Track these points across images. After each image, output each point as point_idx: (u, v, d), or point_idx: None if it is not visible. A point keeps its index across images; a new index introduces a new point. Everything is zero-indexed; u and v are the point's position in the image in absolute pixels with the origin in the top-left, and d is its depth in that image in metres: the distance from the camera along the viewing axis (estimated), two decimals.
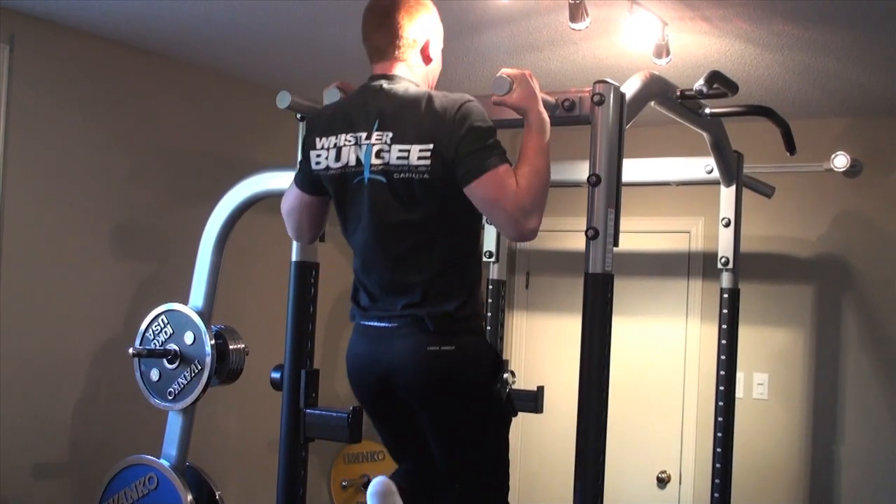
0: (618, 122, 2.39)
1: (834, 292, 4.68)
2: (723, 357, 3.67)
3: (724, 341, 3.67)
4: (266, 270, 4.50)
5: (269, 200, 3.50)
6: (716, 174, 3.60)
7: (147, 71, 4.14)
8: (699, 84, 2.75)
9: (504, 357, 4.28)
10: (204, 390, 3.47)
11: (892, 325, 4.55)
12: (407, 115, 2.27)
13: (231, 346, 3.55)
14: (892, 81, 3.95)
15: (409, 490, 2.43)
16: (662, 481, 5.00)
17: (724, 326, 3.67)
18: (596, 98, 2.38)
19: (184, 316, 3.51)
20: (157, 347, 3.54)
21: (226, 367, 3.54)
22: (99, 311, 3.96)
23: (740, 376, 4.38)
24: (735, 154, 3.58)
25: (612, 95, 2.38)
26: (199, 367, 3.46)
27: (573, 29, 3.03)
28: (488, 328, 4.19)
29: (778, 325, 4.77)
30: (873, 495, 4.54)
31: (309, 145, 2.44)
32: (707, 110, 3.11)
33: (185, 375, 3.48)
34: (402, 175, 2.26)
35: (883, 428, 4.53)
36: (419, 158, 2.24)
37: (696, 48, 3.59)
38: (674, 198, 4.94)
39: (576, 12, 2.95)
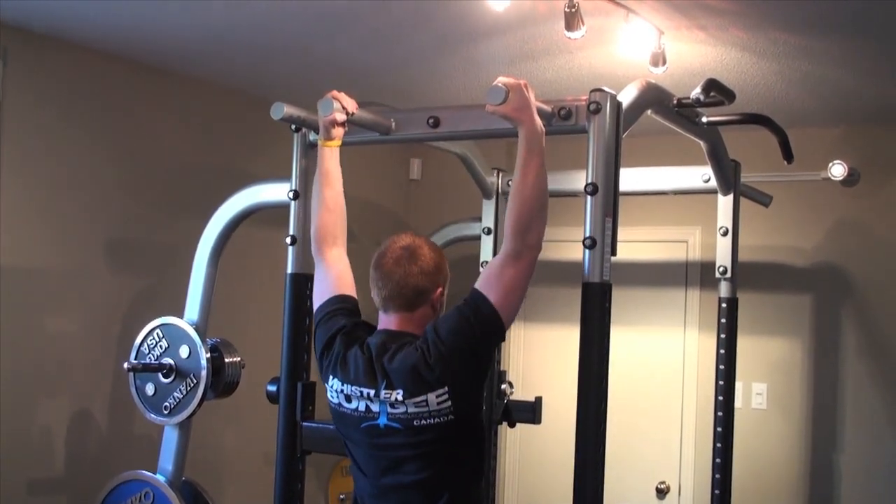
0: (614, 130, 2.38)
1: (832, 301, 4.67)
2: (721, 367, 3.66)
3: (722, 351, 3.66)
4: (261, 283, 4.48)
5: (263, 212, 3.48)
6: (713, 183, 3.59)
7: (141, 84, 4.12)
8: (696, 92, 2.74)
9: (502, 368, 4.27)
10: (200, 404, 3.45)
11: (891, 332, 4.54)
12: (411, 374, 2.28)
13: (227, 360, 3.53)
14: (890, 90, 3.95)
15: None
16: (662, 492, 4.98)
17: (723, 336, 3.66)
18: (592, 106, 2.37)
19: (179, 329, 3.50)
20: (153, 362, 3.52)
21: (221, 381, 3.52)
22: (93, 325, 3.94)
23: (739, 386, 4.36)
24: (732, 163, 3.57)
25: (608, 104, 2.37)
26: (195, 381, 3.44)
27: (569, 38, 3.02)
28: None
29: (776, 335, 4.76)
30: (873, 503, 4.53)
31: (322, 365, 2.48)
32: (704, 119, 3.11)
33: (180, 389, 3.46)
34: (423, 422, 2.29)
35: (882, 437, 4.51)
36: (439, 404, 2.27)
37: (692, 57, 3.58)
38: (671, 207, 4.93)
39: (572, 21, 2.94)
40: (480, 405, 2.41)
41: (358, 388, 2.36)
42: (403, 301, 2.41)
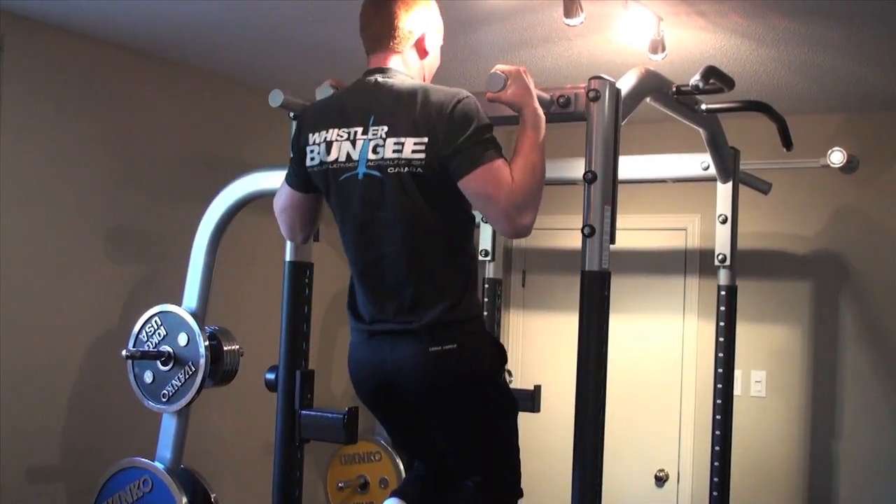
0: (613, 118, 2.37)
1: (831, 289, 4.67)
2: (720, 354, 3.65)
3: (721, 339, 3.65)
4: (260, 271, 4.48)
5: (262, 200, 3.47)
6: (712, 171, 3.58)
7: (139, 71, 4.11)
8: (695, 79, 2.73)
9: None
10: (198, 392, 3.45)
11: (890, 320, 4.53)
12: (402, 109, 2.24)
13: (225, 348, 3.53)
14: (889, 76, 3.93)
15: (421, 495, 2.47)
16: (660, 480, 4.99)
17: (722, 324, 3.65)
18: (591, 94, 2.36)
19: (177, 317, 3.49)
20: (151, 349, 3.52)
21: (220, 369, 3.51)
22: (92, 313, 3.93)
23: (738, 374, 4.36)
24: (731, 150, 3.56)
25: (607, 91, 2.36)
26: (194, 369, 3.43)
27: (568, 25, 3.01)
28: None
29: (775, 322, 4.76)
30: (872, 492, 4.53)
31: (301, 142, 2.42)
32: (703, 106, 3.10)
33: (179, 377, 3.46)
34: (395, 169, 2.24)
35: (881, 424, 4.51)
36: (413, 152, 2.21)
37: (691, 44, 3.57)
38: (670, 195, 4.93)
39: (570, 8, 2.93)
40: (460, 203, 2.30)
41: (344, 130, 2.31)
42: (389, 40, 2.37)
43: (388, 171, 2.24)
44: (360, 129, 2.29)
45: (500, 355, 2.44)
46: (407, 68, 2.38)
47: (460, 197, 2.28)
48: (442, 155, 2.21)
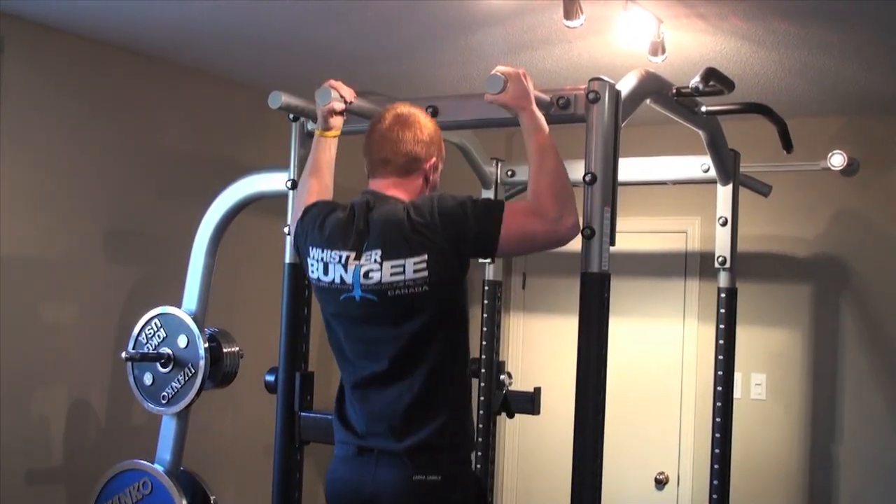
0: (613, 119, 2.37)
1: (832, 292, 4.67)
2: (720, 357, 3.65)
3: (721, 341, 3.65)
4: (260, 272, 4.47)
5: (262, 202, 3.47)
6: (712, 173, 3.58)
7: (139, 73, 4.11)
8: (695, 81, 2.73)
9: (501, 358, 4.27)
10: (198, 394, 3.44)
11: (890, 323, 4.53)
12: (394, 231, 2.25)
13: (225, 350, 3.52)
14: (890, 79, 3.93)
15: None
16: (660, 482, 4.98)
17: (722, 326, 3.65)
18: (591, 95, 2.36)
19: (177, 319, 3.48)
20: (151, 351, 3.51)
21: (220, 371, 3.50)
22: (91, 315, 3.93)
23: (738, 376, 4.36)
24: (732, 152, 3.56)
25: (607, 93, 2.36)
26: (193, 371, 3.43)
27: (568, 26, 3.01)
28: (484, 329, 4.17)
29: (776, 325, 4.76)
30: (872, 494, 4.53)
31: (304, 250, 2.44)
32: (703, 108, 3.10)
33: (178, 379, 3.45)
34: (397, 292, 2.24)
35: (881, 427, 4.51)
36: (415, 272, 2.22)
37: (691, 46, 3.57)
38: (670, 197, 4.92)
39: (570, 9, 2.93)
40: (460, 297, 2.33)
41: (336, 253, 2.32)
42: (395, 166, 2.38)
43: (388, 294, 2.25)
44: (353, 254, 2.30)
45: (482, 497, 2.43)
46: (406, 195, 2.37)
47: (460, 320, 2.32)
48: (463, 255, 2.24)
